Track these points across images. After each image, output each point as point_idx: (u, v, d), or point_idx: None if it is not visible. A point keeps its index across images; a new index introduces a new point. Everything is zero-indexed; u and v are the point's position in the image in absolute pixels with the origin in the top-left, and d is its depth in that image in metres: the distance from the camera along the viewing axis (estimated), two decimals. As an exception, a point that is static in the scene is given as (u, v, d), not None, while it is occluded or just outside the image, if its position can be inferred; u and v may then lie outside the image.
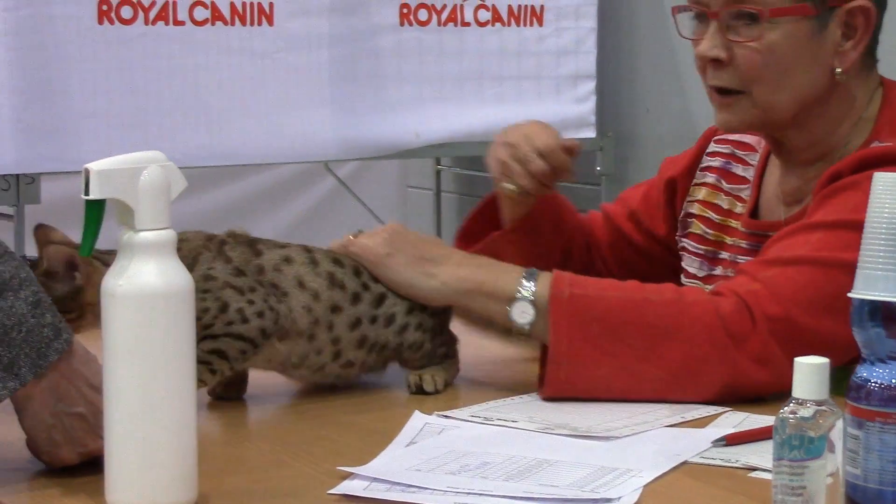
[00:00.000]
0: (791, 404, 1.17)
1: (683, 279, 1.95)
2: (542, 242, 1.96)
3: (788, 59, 1.74)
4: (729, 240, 1.90)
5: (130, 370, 1.27)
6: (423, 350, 1.73)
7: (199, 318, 1.51)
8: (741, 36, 1.74)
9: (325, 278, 1.67)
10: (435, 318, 1.74)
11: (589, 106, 3.93)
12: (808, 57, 1.75)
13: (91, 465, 1.38)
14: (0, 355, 1.30)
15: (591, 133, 3.94)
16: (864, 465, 1.18)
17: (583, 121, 3.92)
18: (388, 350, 1.71)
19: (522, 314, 1.67)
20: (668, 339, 1.64)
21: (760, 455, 1.41)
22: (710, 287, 1.77)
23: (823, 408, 1.17)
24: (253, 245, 1.67)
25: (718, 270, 1.90)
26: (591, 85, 3.91)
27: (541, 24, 3.85)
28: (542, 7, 3.85)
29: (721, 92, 1.78)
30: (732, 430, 1.51)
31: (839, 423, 1.17)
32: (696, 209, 1.96)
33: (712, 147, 1.98)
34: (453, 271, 1.72)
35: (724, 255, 1.90)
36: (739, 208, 1.91)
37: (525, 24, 3.83)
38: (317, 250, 1.71)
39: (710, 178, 1.96)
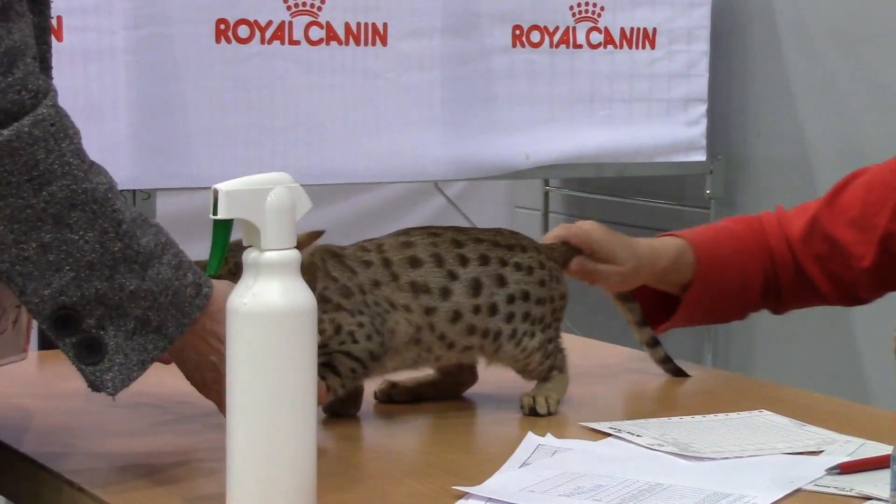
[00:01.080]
0: (909, 434, 1.17)
1: None
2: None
3: None
4: None
5: (253, 386, 1.29)
6: (535, 342, 1.73)
7: None
8: None
9: (408, 290, 1.69)
10: (540, 306, 1.74)
11: (700, 129, 3.91)
12: None
13: (213, 478, 1.41)
14: (150, 319, 1.38)
15: (701, 156, 3.93)
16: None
17: (693, 144, 3.91)
18: (503, 337, 1.72)
19: None
20: None
21: (875, 484, 1.40)
22: None
23: (942, 439, 1.17)
24: (342, 260, 1.69)
25: None
26: (702, 108, 3.90)
27: (653, 47, 3.85)
28: (654, 30, 3.84)
29: None
30: (847, 458, 1.51)
31: (958, 455, 1.17)
32: None
33: None
34: None
35: None
36: None
37: (637, 47, 3.83)
38: (395, 259, 1.71)
39: None
